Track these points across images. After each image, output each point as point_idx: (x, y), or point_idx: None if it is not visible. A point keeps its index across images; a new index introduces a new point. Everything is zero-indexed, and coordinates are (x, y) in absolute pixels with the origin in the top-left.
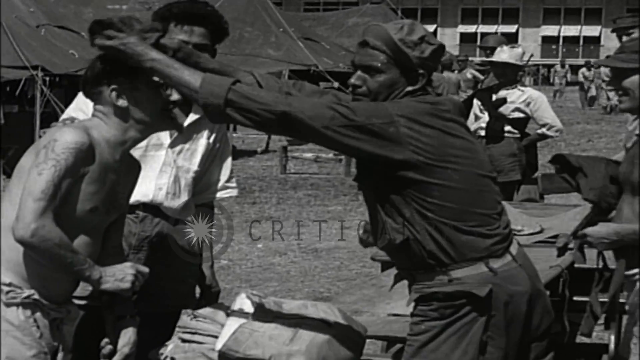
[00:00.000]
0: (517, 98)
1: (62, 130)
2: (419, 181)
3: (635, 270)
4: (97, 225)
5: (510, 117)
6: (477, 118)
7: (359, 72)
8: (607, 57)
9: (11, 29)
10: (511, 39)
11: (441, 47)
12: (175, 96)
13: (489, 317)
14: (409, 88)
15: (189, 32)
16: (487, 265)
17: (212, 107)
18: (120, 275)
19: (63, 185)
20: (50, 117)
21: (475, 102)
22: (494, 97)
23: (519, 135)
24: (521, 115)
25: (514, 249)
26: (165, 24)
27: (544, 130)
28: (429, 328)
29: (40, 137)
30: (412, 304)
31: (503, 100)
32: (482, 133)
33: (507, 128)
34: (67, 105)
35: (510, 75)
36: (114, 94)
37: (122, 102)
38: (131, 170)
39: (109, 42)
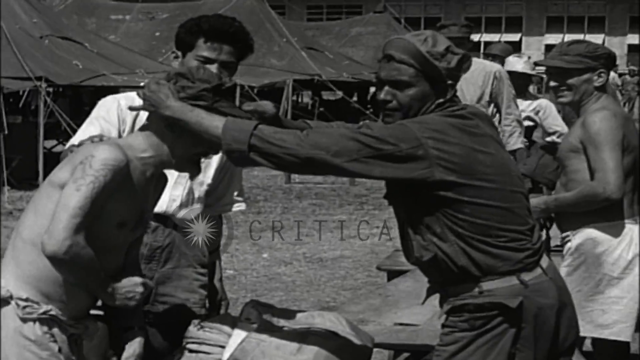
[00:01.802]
0: (526, 107)
1: (98, 147)
2: (449, 199)
3: (567, 233)
4: (122, 242)
5: None
6: None
7: (387, 88)
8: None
9: (14, 39)
10: (515, 48)
11: (465, 56)
12: None
13: (518, 329)
14: (440, 100)
15: (218, 49)
16: (519, 278)
17: (236, 153)
18: (130, 295)
19: (99, 202)
20: (54, 128)
21: None
22: None
23: (528, 144)
24: (530, 123)
25: (544, 262)
26: (193, 38)
27: (553, 138)
28: (458, 339)
29: (44, 147)
30: (444, 315)
31: None
32: None
33: None
34: (71, 116)
35: (523, 85)
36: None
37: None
38: (159, 185)
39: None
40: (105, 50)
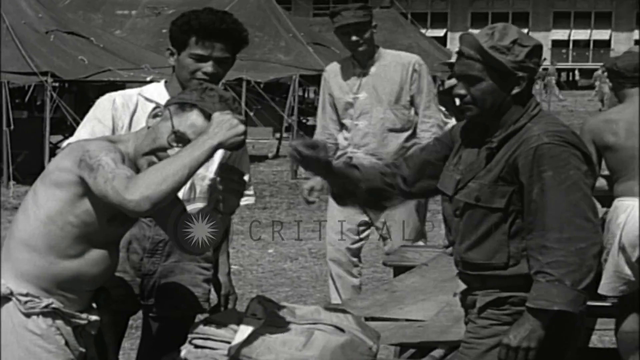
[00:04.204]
0: None
1: (89, 142)
2: None
3: None
4: (113, 238)
5: None
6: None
7: (460, 82)
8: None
9: (20, 35)
10: None
11: (537, 47)
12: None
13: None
14: (514, 91)
15: (210, 47)
16: None
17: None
18: (228, 124)
19: (121, 165)
20: (60, 123)
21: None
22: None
23: None
24: None
25: None
26: (185, 37)
27: None
28: (498, 332)
29: (50, 142)
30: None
31: None
32: None
33: None
34: (76, 110)
35: None
36: (155, 110)
37: (150, 122)
38: None
39: None
40: (111, 46)
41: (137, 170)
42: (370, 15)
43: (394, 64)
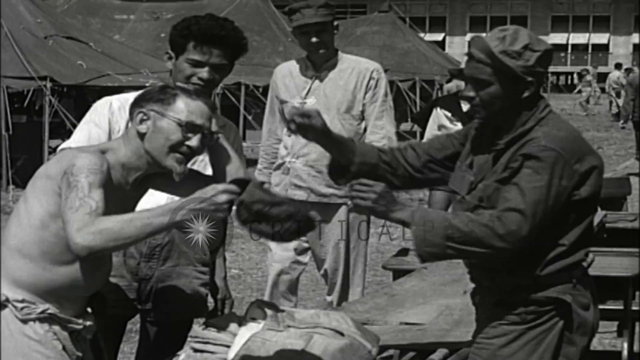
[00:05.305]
0: None
1: (80, 155)
2: None
3: None
4: None
5: None
6: (441, 128)
7: (470, 85)
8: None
9: (19, 40)
10: None
11: (547, 52)
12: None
13: (565, 325)
14: (524, 95)
15: (208, 53)
16: (570, 274)
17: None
18: (201, 196)
19: (96, 193)
20: (59, 127)
21: (441, 111)
22: (465, 106)
23: None
24: None
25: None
26: (184, 41)
27: None
28: (506, 332)
29: (49, 147)
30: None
31: None
32: None
33: None
34: (75, 115)
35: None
36: (139, 116)
37: (142, 128)
38: (140, 190)
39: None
40: (109, 50)
41: (135, 176)
42: (333, 15)
43: (350, 70)
